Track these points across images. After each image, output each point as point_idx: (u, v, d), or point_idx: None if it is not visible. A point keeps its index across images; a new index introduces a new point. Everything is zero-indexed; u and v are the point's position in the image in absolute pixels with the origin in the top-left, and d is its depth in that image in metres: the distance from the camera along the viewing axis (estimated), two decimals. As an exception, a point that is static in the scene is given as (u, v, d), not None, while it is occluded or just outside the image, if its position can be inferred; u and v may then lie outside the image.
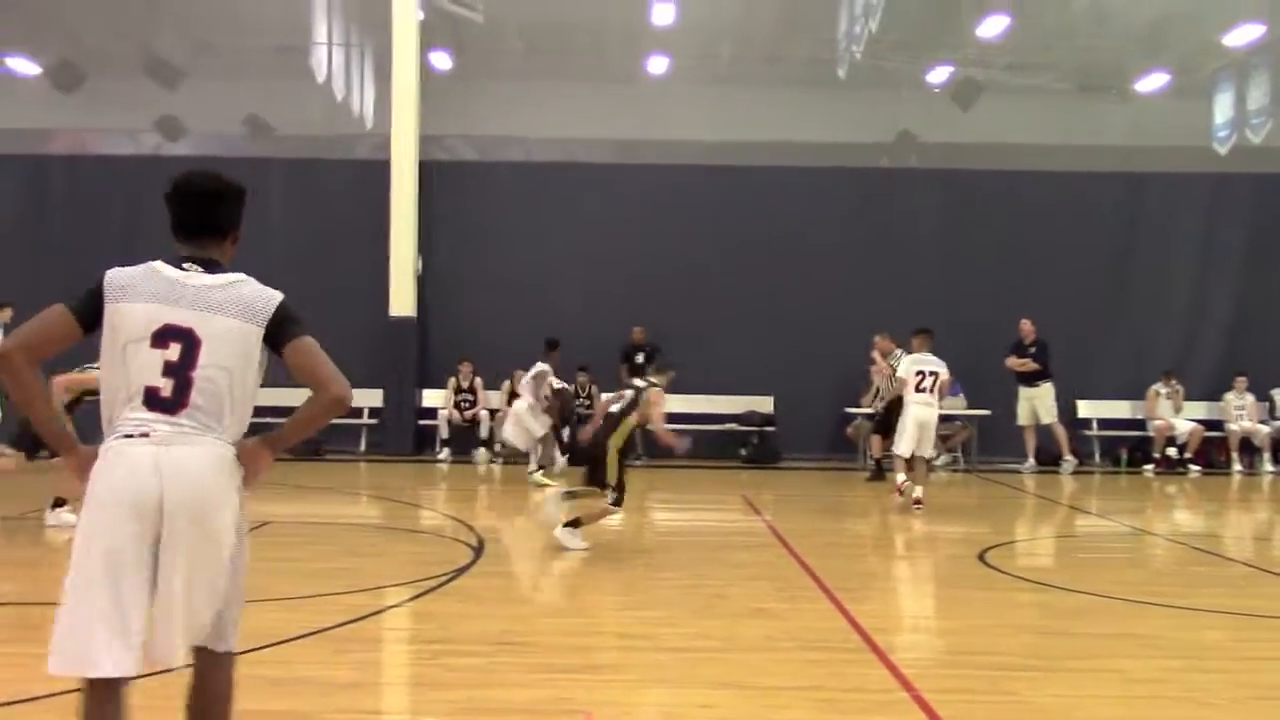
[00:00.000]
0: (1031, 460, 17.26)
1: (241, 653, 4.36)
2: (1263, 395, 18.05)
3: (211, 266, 3.70)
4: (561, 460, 15.67)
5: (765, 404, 18.34)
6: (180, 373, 3.46)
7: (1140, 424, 18.22)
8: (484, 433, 17.27)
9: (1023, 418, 17.33)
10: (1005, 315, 17.12)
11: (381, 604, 7.15)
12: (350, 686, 5.39)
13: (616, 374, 17.68)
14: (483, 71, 19.20)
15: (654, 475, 15.40)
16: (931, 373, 12.33)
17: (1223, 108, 18.01)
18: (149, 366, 3.47)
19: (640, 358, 17.83)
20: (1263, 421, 17.90)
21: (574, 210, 18.49)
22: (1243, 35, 16.77)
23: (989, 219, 18.40)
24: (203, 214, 3.90)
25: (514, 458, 16.04)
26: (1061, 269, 18.20)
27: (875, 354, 16.05)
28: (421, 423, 18.08)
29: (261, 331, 3.62)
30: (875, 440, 15.62)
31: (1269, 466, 17.62)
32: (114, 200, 18.33)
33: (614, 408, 9.70)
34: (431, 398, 18.05)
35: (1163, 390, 17.75)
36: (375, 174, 17.78)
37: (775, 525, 11.28)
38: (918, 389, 12.33)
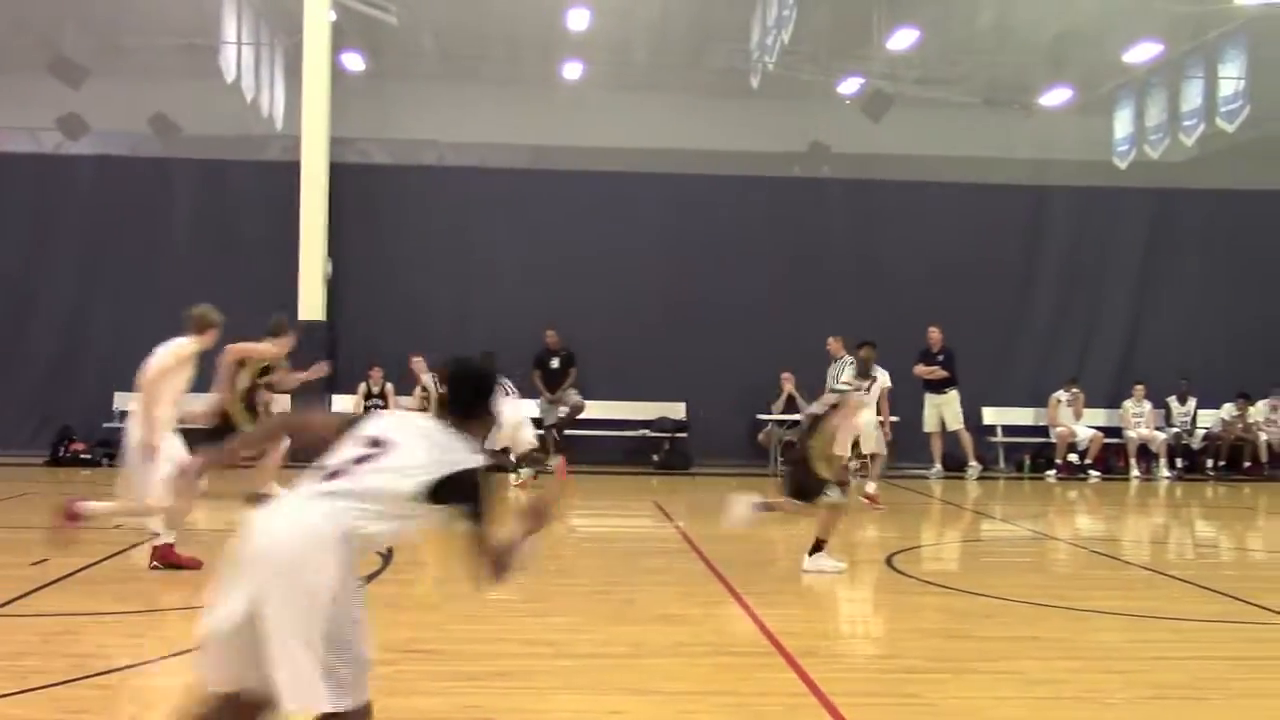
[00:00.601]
0: (938, 466, 17.53)
1: (140, 664, 4.29)
2: (1159, 403, 18.55)
3: None
4: None
5: (677, 410, 18.39)
6: None
7: (1043, 430, 18.62)
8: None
9: (929, 424, 17.58)
10: (913, 324, 17.35)
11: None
12: (253, 696, 5.28)
13: (529, 379, 17.67)
14: (396, 74, 19.06)
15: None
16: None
17: (1123, 123, 18.50)
18: None
19: (555, 362, 17.82)
20: (1159, 428, 18.40)
21: (487, 215, 18.39)
22: (1142, 53, 17.27)
23: (899, 229, 18.67)
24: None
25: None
26: (968, 279, 18.51)
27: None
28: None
29: None
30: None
31: (1165, 472, 18.11)
32: (13, 199, 17.84)
33: (814, 409, 9.50)
34: (341, 403, 17.79)
35: (1064, 398, 18.15)
36: (285, 176, 17.50)
37: (686, 531, 11.32)
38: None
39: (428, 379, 16.34)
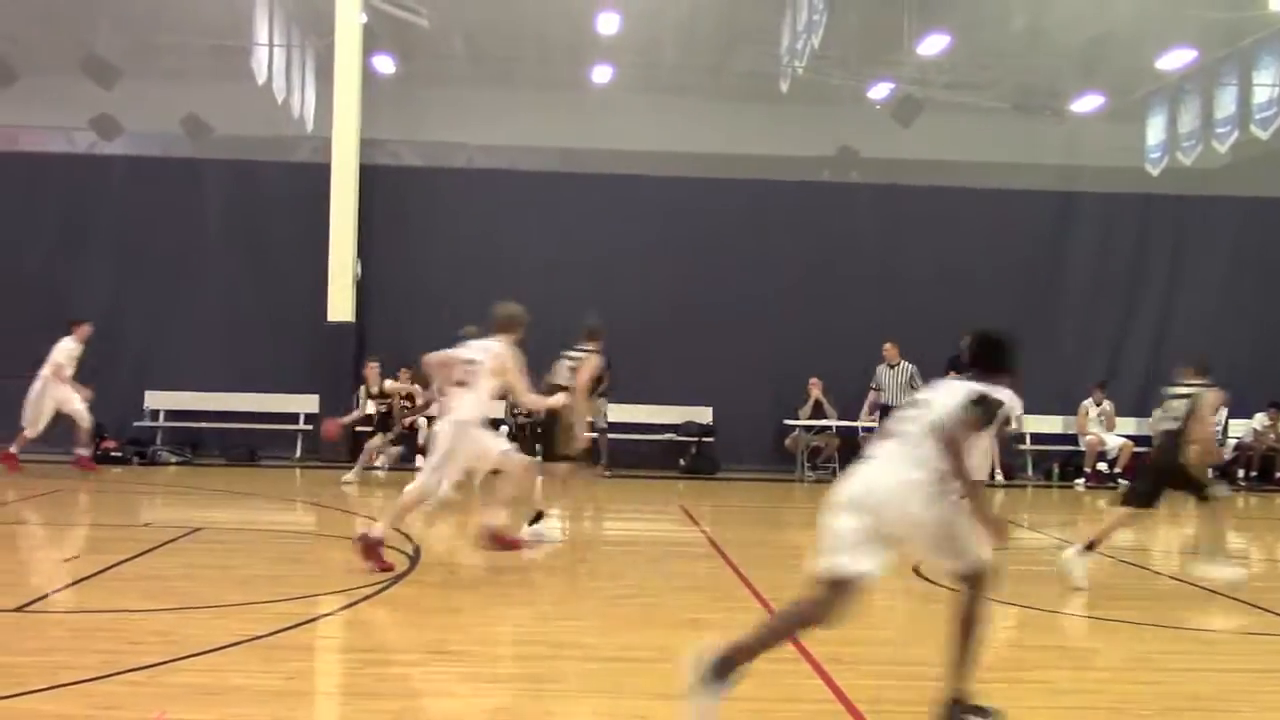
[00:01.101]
0: None
1: (170, 661, 4.30)
2: (1189, 412, 18.37)
3: None
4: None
5: (704, 414, 18.39)
6: None
7: (1072, 439, 18.50)
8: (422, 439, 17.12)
9: None
10: (940, 329, 17.24)
11: (314, 612, 7.07)
12: (281, 695, 5.31)
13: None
14: (426, 77, 19.16)
15: (593, 486, 15.37)
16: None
17: (1155, 130, 18.40)
18: None
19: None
20: (1190, 438, 18.22)
21: (516, 218, 18.41)
22: (1176, 59, 17.17)
23: (927, 234, 18.59)
24: None
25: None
26: (996, 284, 18.42)
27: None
28: (358, 430, 17.90)
29: None
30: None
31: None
32: (47, 199, 18.02)
33: (1166, 426, 9.31)
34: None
35: (1093, 406, 18.04)
36: (315, 177, 17.61)
37: (713, 535, 11.30)
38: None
39: (390, 384, 16.25)
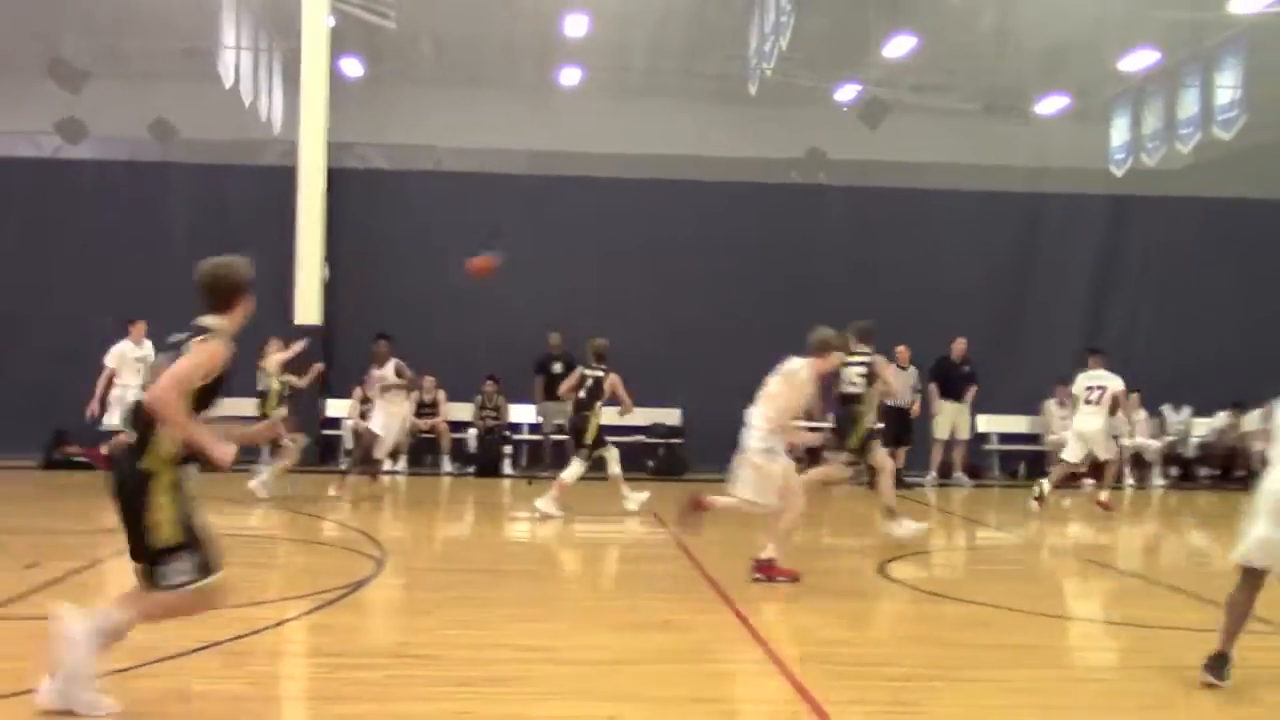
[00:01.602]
0: (934, 473, 17.57)
1: (134, 666, 4.25)
2: (1154, 411, 18.57)
3: None
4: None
5: (673, 416, 18.41)
6: None
7: (1037, 438, 18.64)
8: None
9: (941, 431, 17.62)
10: (909, 329, 17.37)
11: (279, 616, 7.05)
12: (245, 700, 5.31)
13: (529, 384, 17.69)
14: (394, 79, 19.11)
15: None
16: (1100, 386, 13.88)
17: (1119, 131, 18.55)
18: None
19: (558, 367, 17.74)
20: (1154, 437, 18.42)
21: (485, 220, 18.31)
22: (1139, 61, 17.33)
23: (894, 236, 18.71)
24: None
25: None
26: (963, 285, 18.56)
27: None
28: (326, 433, 17.86)
29: None
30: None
31: (1159, 481, 18.13)
32: (12, 203, 17.88)
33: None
34: (336, 407, 17.81)
35: (1058, 406, 18.17)
36: (282, 180, 17.56)
37: (680, 537, 11.32)
38: (1085, 401, 13.95)
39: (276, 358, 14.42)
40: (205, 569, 4.89)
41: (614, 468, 13.22)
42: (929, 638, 7.13)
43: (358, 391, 16.05)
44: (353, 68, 19.01)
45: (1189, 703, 5.71)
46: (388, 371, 14.57)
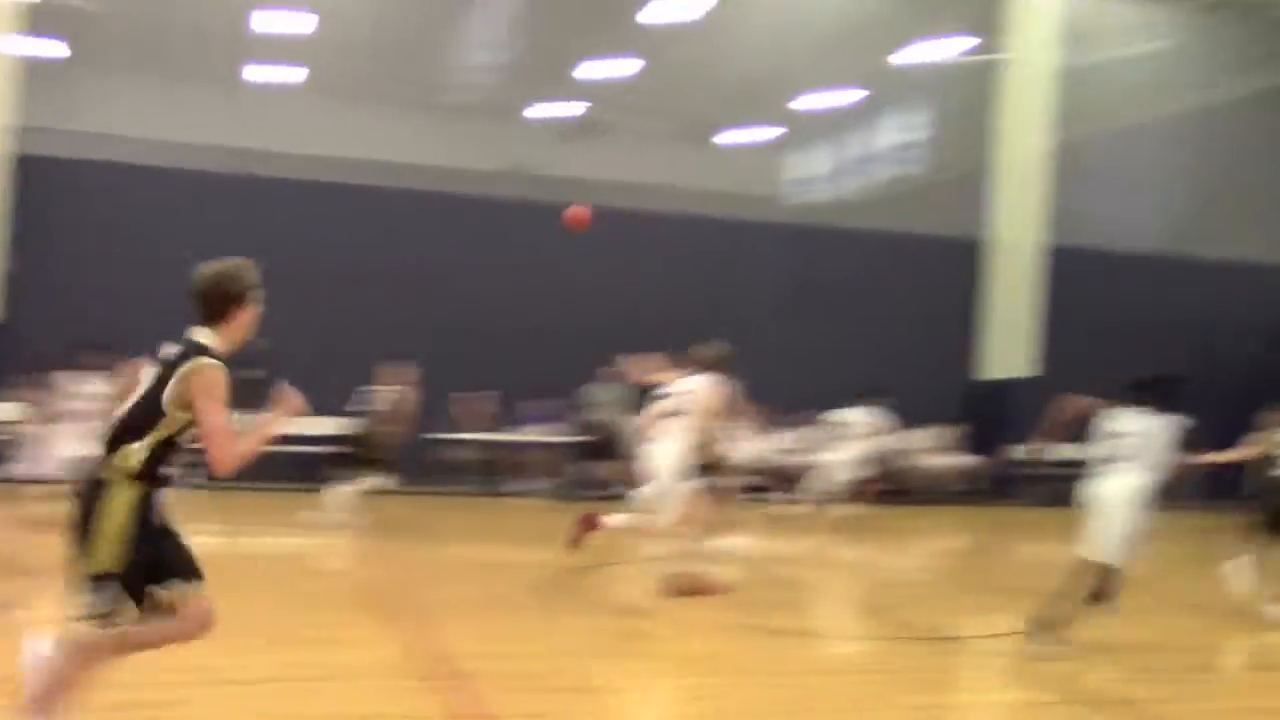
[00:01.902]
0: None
1: None
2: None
3: None
4: None
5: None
6: None
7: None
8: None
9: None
10: (607, 346, 17.74)
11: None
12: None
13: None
14: (93, 65, 18.39)
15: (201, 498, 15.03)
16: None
17: (806, 163, 19.74)
18: None
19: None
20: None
21: (178, 217, 17.78)
22: (831, 99, 18.45)
23: (596, 254, 19.15)
24: None
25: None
26: (657, 308, 18.97)
27: None
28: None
29: None
30: None
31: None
32: None
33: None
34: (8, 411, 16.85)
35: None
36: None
37: (361, 549, 11.30)
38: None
39: None
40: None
41: None
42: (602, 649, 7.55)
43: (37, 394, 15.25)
44: (50, 49, 18.11)
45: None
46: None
